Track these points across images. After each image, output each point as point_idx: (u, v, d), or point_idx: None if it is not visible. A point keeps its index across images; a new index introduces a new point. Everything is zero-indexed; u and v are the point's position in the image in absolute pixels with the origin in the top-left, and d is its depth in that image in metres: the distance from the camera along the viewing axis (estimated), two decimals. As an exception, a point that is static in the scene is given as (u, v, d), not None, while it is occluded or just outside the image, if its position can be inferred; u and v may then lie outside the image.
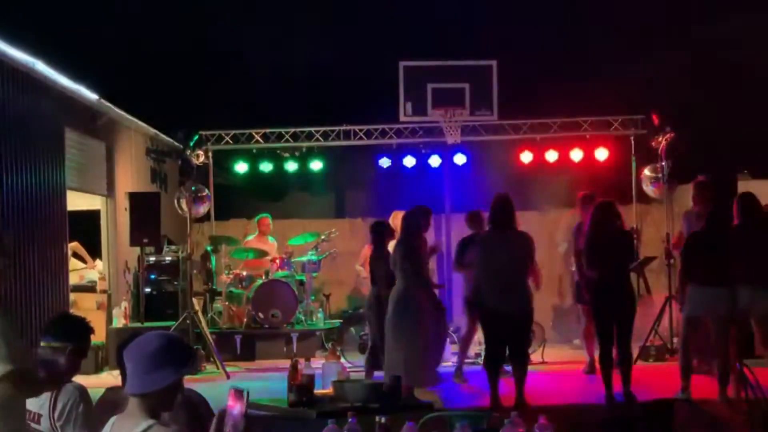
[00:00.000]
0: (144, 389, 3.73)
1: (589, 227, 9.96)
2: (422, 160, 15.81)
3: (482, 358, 11.44)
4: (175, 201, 14.57)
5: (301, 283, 14.45)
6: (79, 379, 5.11)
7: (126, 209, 13.36)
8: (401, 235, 10.52)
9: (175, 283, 13.92)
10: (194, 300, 13.26)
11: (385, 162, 15.80)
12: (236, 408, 3.65)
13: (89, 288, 13.40)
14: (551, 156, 15.47)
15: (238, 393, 3.68)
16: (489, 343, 9.92)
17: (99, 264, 13.91)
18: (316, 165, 15.84)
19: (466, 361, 12.01)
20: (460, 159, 15.67)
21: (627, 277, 9.76)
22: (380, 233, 11.25)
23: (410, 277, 10.13)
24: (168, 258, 14.18)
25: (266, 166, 15.96)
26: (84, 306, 12.84)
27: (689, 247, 9.91)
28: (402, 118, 14.65)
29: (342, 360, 11.37)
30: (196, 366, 12.19)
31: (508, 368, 10.01)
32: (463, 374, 11.44)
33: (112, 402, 4.72)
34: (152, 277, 13.92)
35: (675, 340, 12.28)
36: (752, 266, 9.55)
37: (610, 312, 9.64)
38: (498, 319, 9.63)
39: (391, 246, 11.81)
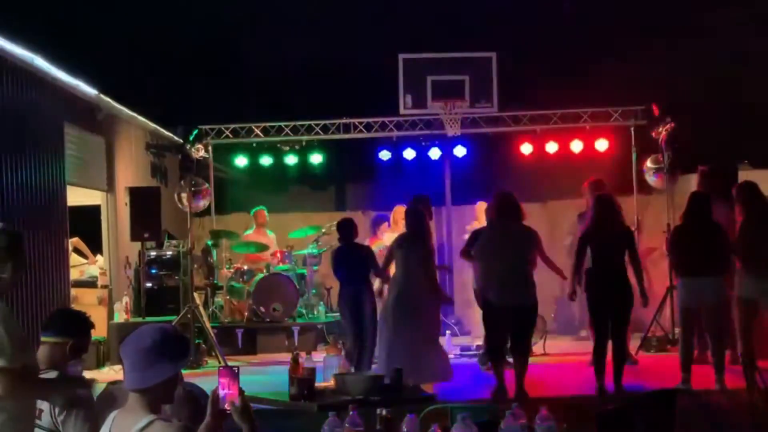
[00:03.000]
0: (142, 384, 3.73)
1: (590, 219, 9.93)
2: (422, 153, 15.80)
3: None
4: (176, 195, 14.56)
5: (302, 276, 14.46)
6: (80, 374, 5.11)
7: (126, 204, 13.36)
8: (410, 229, 10.43)
9: (176, 277, 13.91)
10: (195, 294, 13.28)
11: (385, 155, 15.80)
12: (229, 386, 3.66)
13: (90, 283, 13.40)
14: (551, 147, 15.48)
15: (229, 372, 3.69)
16: (490, 334, 9.93)
17: (100, 259, 13.91)
18: (316, 158, 15.86)
19: (468, 353, 12.03)
20: (460, 151, 15.67)
21: (624, 273, 9.71)
22: (349, 230, 11.16)
23: (418, 270, 10.09)
24: (169, 252, 14.16)
25: (266, 160, 15.98)
26: (85, 301, 12.84)
27: (673, 242, 9.94)
28: (402, 110, 14.67)
29: (343, 353, 11.37)
30: (196, 359, 12.31)
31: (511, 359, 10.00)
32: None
33: (113, 397, 4.73)
34: (153, 271, 13.91)
35: (677, 330, 12.28)
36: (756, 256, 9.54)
37: (605, 306, 9.62)
38: (498, 312, 9.63)
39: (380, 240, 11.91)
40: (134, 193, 13.41)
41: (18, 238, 4.99)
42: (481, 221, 12.58)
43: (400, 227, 12.45)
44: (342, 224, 11.18)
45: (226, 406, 3.64)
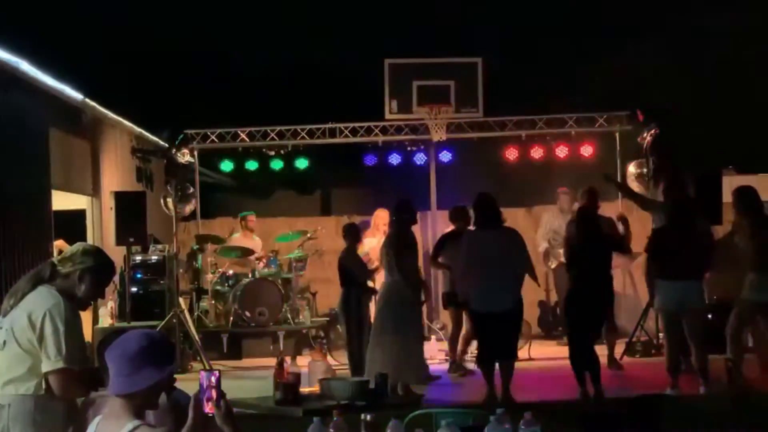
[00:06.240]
0: (127, 390, 3.72)
1: (573, 226, 9.92)
2: (408, 158, 15.82)
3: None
4: (161, 200, 14.53)
5: (288, 281, 14.45)
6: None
7: (111, 209, 13.31)
8: (395, 231, 10.48)
9: (162, 282, 13.87)
10: (181, 299, 13.25)
11: (370, 160, 15.82)
12: (210, 389, 3.65)
13: (75, 287, 13.33)
14: (536, 152, 15.50)
15: (210, 374, 3.68)
16: (480, 341, 9.94)
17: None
18: (301, 163, 15.85)
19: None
20: (445, 156, 15.70)
21: (602, 282, 9.71)
22: (354, 234, 11.40)
23: (404, 272, 10.11)
24: (154, 257, 14.12)
25: (252, 165, 15.95)
26: (70, 306, 12.78)
27: (654, 244, 9.83)
28: (387, 115, 14.70)
29: (328, 358, 11.40)
30: (182, 363, 12.29)
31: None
32: (462, 368, 11.51)
33: (97, 402, 4.72)
34: (138, 276, 13.87)
35: (661, 335, 12.31)
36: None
37: (582, 313, 9.61)
38: (485, 319, 9.63)
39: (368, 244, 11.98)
40: (120, 197, 13.36)
41: (106, 268, 4.98)
42: (377, 227, 12.80)
43: (381, 232, 12.51)
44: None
45: (208, 410, 3.63)
